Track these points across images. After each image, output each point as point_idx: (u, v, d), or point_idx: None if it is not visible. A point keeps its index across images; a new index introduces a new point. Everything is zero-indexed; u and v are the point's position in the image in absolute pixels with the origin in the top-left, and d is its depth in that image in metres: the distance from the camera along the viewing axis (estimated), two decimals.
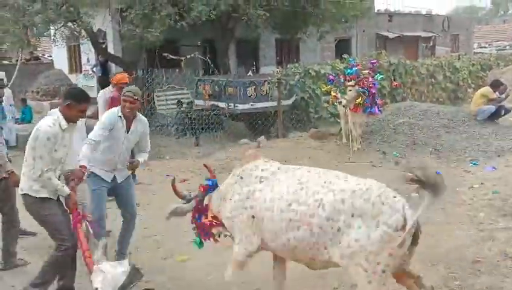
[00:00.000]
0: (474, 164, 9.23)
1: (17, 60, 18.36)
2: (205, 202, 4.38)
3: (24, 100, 15.45)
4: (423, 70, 16.28)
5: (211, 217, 4.28)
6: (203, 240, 4.46)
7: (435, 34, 28.37)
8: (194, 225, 4.45)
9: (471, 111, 11.63)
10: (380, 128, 11.48)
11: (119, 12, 14.22)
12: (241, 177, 4.12)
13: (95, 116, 12.90)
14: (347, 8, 17.28)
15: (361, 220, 3.46)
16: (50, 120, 4.28)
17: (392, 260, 3.47)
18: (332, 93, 10.90)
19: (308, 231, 3.59)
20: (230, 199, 4.06)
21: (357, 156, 10.10)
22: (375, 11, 24.99)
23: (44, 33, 16.67)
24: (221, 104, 13.20)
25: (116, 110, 5.00)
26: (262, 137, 12.16)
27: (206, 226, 4.32)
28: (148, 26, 12.67)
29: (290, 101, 13.25)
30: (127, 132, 5.00)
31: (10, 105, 11.95)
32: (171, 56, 15.37)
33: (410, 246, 3.58)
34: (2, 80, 11.38)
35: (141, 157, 5.17)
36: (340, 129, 11.51)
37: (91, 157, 4.73)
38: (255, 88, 13.00)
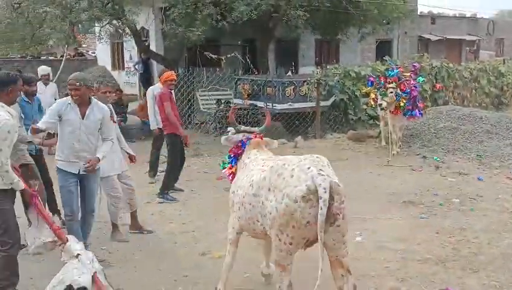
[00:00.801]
0: None
1: (62, 56, 18.90)
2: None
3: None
4: (466, 74, 15.93)
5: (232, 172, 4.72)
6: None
7: (479, 38, 27.70)
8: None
9: None
10: (420, 132, 11.31)
11: (162, 11, 14.44)
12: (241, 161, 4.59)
13: (138, 112, 13.14)
14: (390, 9, 17.03)
15: (273, 193, 3.73)
16: (4, 113, 4.19)
17: (296, 231, 3.65)
18: (372, 95, 10.80)
19: (243, 209, 4.11)
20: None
21: (396, 159, 9.98)
22: (418, 13, 24.56)
23: (89, 30, 17.10)
24: (260, 104, 13.23)
25: (66, 99, 5.21)
26: (300, 137, 12.14)
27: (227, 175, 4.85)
28: (190, 25, 12.81)
29: (328, 102, 13.18)
30: (82, 118, 5.09)
31: (55, 99, 12.30)
32: (211, 55, 15.50)
33: (326, 225, 3.56)
34: (48, 74, 11.75)
35: (100, 153, 5.17)
36: (380, 132, 11.39)
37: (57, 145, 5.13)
38: (293, 88, 12.98)
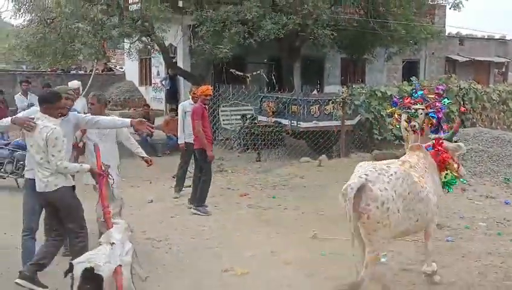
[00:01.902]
0: None
1: (91, 71, 19.27)
2: None
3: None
4: (495, 96, 15.71)
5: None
6: None
7: (508, 60, 27.35)
8: None
9: None
10: None
11: (190, 29, 14.68)
12: None
13: (163, 127, 13.32)
14: (417, 30, 16.97)
15: None
16: (50, 123, 4.77)
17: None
18: (395, 115, 10.76)
19: None
20: None
21: None
22: (446, 34, 24.39)
23: (118, 46, 17.41)
24: (284, 121, 13.26)
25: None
26: (324, 156, 12.10)
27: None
28: (218, 43, 12.99)
29: (354, 121, 13.14)
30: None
31: (84, 112, 12.54)
32: (237, 72, 15.64)
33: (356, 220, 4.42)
34: (78, 88, 11.99)
35: None
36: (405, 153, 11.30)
37: None
38: (318, 107, 12.98)
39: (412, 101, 10.27)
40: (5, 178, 9.29)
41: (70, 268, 4.18)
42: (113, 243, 4.35)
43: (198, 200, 7.98)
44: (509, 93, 16.27)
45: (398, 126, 11.09)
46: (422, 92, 10.49)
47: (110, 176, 4.95)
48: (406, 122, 10.28)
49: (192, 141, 8.69)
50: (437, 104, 10.32)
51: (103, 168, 4.93)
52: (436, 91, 10.79)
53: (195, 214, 7.81)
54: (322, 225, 6.97)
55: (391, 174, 4.47)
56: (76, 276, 4.12)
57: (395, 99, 11.07)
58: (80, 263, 4.15)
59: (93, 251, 4.41)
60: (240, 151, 13.32)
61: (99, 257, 4.20)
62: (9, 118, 5.16)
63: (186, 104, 9.00)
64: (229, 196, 9.01)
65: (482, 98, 15.26)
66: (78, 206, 4.99)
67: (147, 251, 6.16)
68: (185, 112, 8.82)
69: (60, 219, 4.94)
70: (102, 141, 5.90)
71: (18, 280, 4.68)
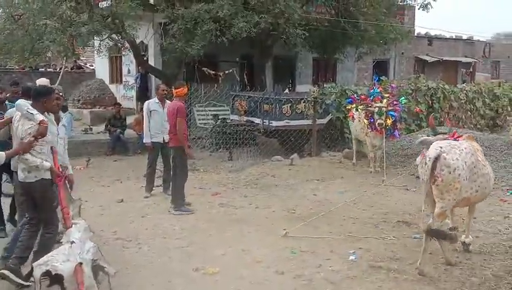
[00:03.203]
0: (511, 193, 9.03)
1: (60, 68, 18.96)
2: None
3: (65, 107, 15.88)
4: (462, 95, 16.05)
5: None
6: None
7: (475, 60, 27.99)
8: None
9: (510, 140, 11.40)
10: (416, 152, 11.35)
11: (161, 26, 14.58)
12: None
13: (134, 126, 13.23)
14: (387, 30, 17.22)
15: None
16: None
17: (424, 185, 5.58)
18: (353, 112, 11.05)
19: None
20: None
21: (391, 179, 10.02)
22: (415, 34, 24.82)
23: (88, 43, 17.17)
24: (256, 120, 13.28)
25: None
26: (296, 155, 12.18)
27: None
28: (189, 41, 12.92)
29: (325, 121, 13.25)
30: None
31: None
32: (209, 71, 15.60)
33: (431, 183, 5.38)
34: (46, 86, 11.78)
35: None
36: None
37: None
38: (290, 106, 13.05)
39: (370, 100, 10.53)
40: None
41: (31, 271, 4.24)
42: (73, 241, 4.40)
43: (176, 200, 7.91)
44: (476, 93, 16.65)
45: (350, 123, 11.38)
46: (378, 90, 10.76)
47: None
48: (367, 119, 10.50)
49: (160, 141, 8.67)
50: (395, 102, 10.57)
51: (61, 169, 5.03)
52: (390, 90, 11.07)
53: (179, 214, 7.73)
54: (293, 224, 7.02)
55: (462, 149, 5.43)
56: (37, 279, 4.17)
57: (351, 97, 11.37)
58: (39, 266, 4.20)
59: (53, 252, 4.45)
60: (212, 150, 13.31)
61: (57, 257, 4.25)
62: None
63: (151, 102, 8.91)
64: (201, 195, 8.99)
65: (449, 98, 15.57)
66: (53, 199, 5.09)
67: (117, 251, 6.11)
68: (150, 111, 8.75)
69: (35, 210, 5.07)
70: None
71: (4, 271, 4.73)
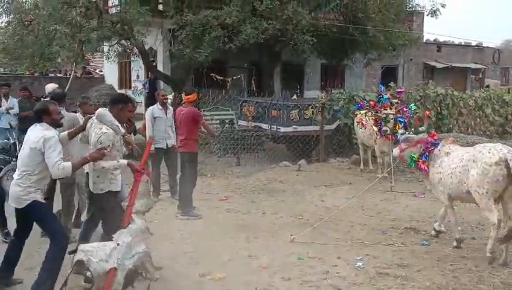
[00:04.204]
0: None
1: (70, 74, 19.10)
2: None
3: (74, 112, 15.98)
4: (471, 102, 15.96)
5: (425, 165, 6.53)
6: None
7: (484, 66, 27.86)
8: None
9: None
10: None
11: (170, 33, 14.66)
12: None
13: (142, 131, 13.24)
14: (396, 37, 17.21)
15: (475, 163, 5.84)
16: (104, 127, 4.94)
17: (490, 185, 5.71)
18: (358, 117, 11.01)
19: (454, 176, 6.11)
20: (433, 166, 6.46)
21: (399, 185, 9.98)
22: (424, 40, 24.77)
23: (98, 49, 17.31)
24: (264, 126, 13.30)
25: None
26: (303, 160, 12.16)
27: (421, 167, 6.60)
28: (198, 47, 12.99)
29: (333, 126, 13.23)
30: None
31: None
32: (217, 76, 15.66)
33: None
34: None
35: None
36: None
37: None
38: (298, 111, 13.05)
39: (380, 106, 10.47)
40: None
41: (74, 251, 4.20)
42: (118, 244, 4.30)
43: (185, 206, 7.93)
44: (485, 100, 16.55)
45: (361, 129, 11.29)
46: (387, 96, 10.71)
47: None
48: (376, 126, 10.46)
49: (163, 146, 8.73)
50: (404, 109, 10.52)
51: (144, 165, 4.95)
52: (397, 95, 11.01)
53: (186, 219, 7.75)
54: (300, 230, 6.99)
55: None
56: (73, 262, 4.14)
57: (360, 103, 11.32)
58: (81, 252, 4.14)
59: (100, 244, 4.38)
60: (220, 155, 13.31)
61: (98, 253, 4.17)
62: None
63: (155, 109, 8.92)
64: (208, 200, 8.98)
65: (458, 104, 15.49)
66: (113, 213, 5.03)
67: None
68: (155, 117, 8.78)
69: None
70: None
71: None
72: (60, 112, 5.25)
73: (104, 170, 4.90)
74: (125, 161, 5.00)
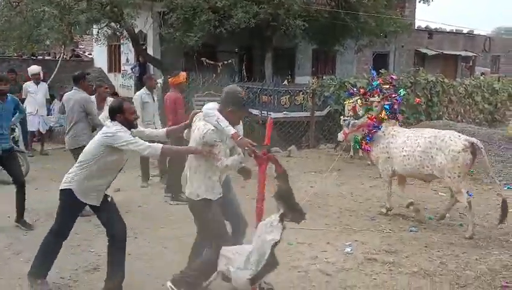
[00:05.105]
0: (508, 187, 9.03)
1: (59, 57, 18.86)
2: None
3: (62, 96, 15.84)
4: (461, 89, 16.02)
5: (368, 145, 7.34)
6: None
7: (475, 54, 27.93)
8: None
9: (508, 134, 11.39)
10: None
11: (160, 16, 14.50)
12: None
13: None
14: (387, 23, 17.16)
15: (441, 151, 6.45)
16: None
17: (461, 169, 6.43)
18: (350, 105, 10.97)
19: (413, 159, 6.72)
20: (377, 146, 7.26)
21: None
22: (415, 27, 24.74)
23: (87, 31, 17.09)
24: (255, 111, 13.26)
25: None
26: (293, 146, 12.16)
27: (364, 147, 7.42)
28: (188, 31, 12.87)
29: (323, 113, 13.22)
30: None
31: (46, 99, 12.32)
32: (208, 61, 15.54)
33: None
34: (38, 73, 11.73)
35: None
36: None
37: None
38: (289, 97, 13.03)
39: (369, 93, 10.46)
40: None
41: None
42: (251, 250, 4.07)
43: (174, 190, 7.90)
44: (475, 87, 16.63)
45: (354, 116, 11.26)
46: (377, 82, 10.68)
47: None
48: (354, 113, 10.47)
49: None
50: (393, 95, 10.51)
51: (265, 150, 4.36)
52: (390, 80, 11.00)
53: (176, 204, 7.73)
54: None
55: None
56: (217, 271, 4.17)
57: (350, 90, 11.28)
58: (222, 258, 4.15)
59: (239, 249, 4.27)
60: None
61: (237, 260, 4.09)
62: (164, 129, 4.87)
63: (143, 95, 8.82)
64: None
65: (448, 92, 15.55)
66: (211, 224, 4.48)
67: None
68: (143, 103, 8.70)
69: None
70: None
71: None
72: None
73: (229, 167, 4.37)
74: (242, 156, 4.49)
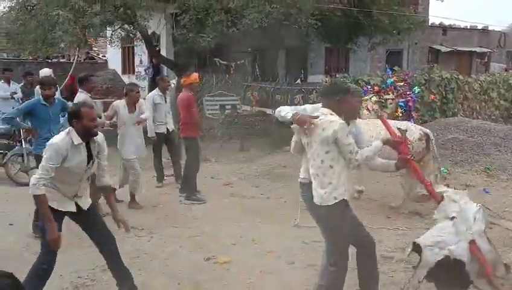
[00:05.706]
0: None
1: (73, 59, 19.03)
2: None
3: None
4: (476, 86, 15.85)
5: None
6: None
7: (490, 50, 27.62)
8: None
9: None
10: None
11: (173, 17, 14.55)
12: None
13: None
14: (400, 20, 17.05)
15: None
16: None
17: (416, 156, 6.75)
18: (364, 104, 10.92)
19: None
20: None
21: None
22: (429, 24, 24.54)
23: (100, 34, 17.21)
24: (268, 111, 13.27)
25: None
26: None
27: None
28: (201, 31, 12.89)
29: None
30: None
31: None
32: (221, 61, 15.57)
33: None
34: (50, 76, 11.81)
35: None
36: None
37: None
38: (302, 96, 13.00)
39: (383, 91, 10.43)
40: None
41: (416, 248, 3.74)
42: (453, 217, 3.73)
43: (189, 189, 7.96)
44: (491, 84, 16.43)
45: (369, 115, 11.22)
46: (392, 79, 10.63)
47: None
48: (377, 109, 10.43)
49: (163, 131, 8.78)
50: (408, 92, 10.47)
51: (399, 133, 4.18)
52: (405, 78, 10.94)
53: (190, 204, 7.78)
54: (304, 214, 6.96)
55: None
56: (426, 261, 3.67)
57: (364, 88, 11.23)
58: (429, 247, 3.65)
59: (434, 232, 3.84)
60: (224, 140, 13.30)
61: (448, 239, 3.65)
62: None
63: (155, 96, 8.87)
64: (212, 185, 9.00)
65: (463, 88, 15.38)
66: (342, 228, 4.12)
67: (129, 239, 6.13)
68: (155, 104, 8.75)
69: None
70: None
71: None
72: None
73: (366, 159, 4.04)
74: (378, 142, 4.16)
